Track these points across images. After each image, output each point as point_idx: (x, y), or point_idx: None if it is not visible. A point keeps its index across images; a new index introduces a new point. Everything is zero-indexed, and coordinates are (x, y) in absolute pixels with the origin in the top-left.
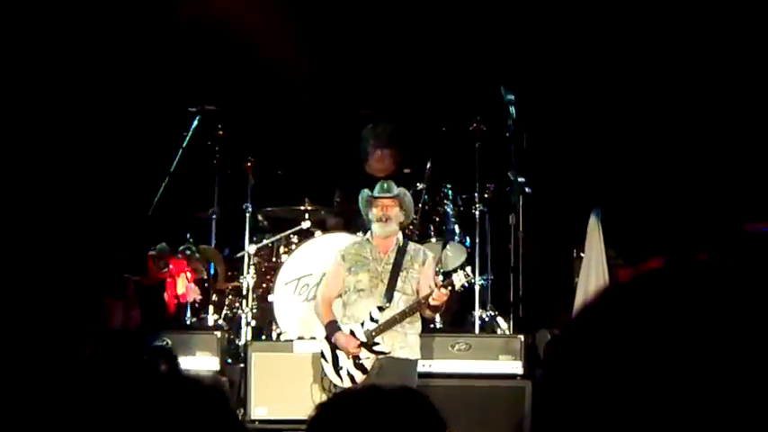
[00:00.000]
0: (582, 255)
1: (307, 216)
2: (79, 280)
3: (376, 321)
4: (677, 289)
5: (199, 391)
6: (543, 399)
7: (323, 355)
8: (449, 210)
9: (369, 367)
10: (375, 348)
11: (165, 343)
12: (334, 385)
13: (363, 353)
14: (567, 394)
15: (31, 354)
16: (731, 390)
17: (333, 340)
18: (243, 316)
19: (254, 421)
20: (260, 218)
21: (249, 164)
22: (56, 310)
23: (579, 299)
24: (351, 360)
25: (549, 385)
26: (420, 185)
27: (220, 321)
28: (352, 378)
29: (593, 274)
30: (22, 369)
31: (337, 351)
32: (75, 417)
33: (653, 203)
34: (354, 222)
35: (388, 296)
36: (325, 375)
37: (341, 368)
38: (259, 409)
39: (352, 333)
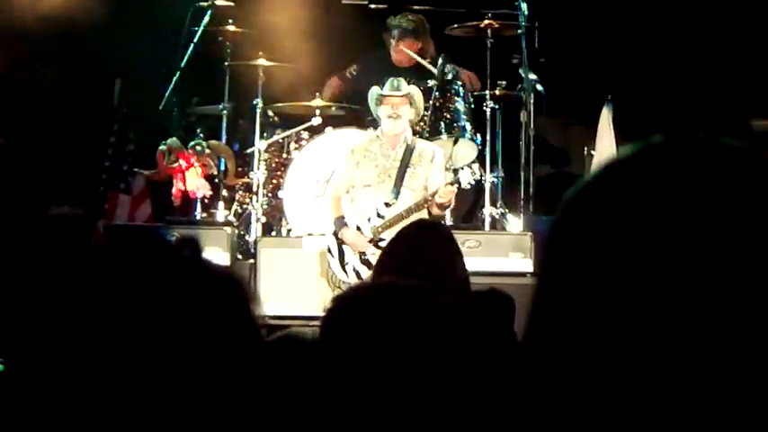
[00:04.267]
0: (593, 152)
1: (318, 112)
2: (83, 174)
3: (382, 217)
4: (677, 163)
5: (220, 279)
6: (543, 285)
7: (329, 251)
8: (460, 107)
9: (374, 263)
10: (381, 244)
11: (173, 236)
12: (341, 281)
13: (369, 248)
14: (566, 272)
15: (34, 243)
16: (732, 267)
17: (340, 236)
18: (253, 212)
19: (262, 317)
20: (270, 113)
21: (260, 59)
22: (60, 203)
23: None
24: (357, 255)
25: (547, 263)
26: (431, 82)
27: (230, 217)
28: (357, 273)
29: None
30: (28, 257)
31: (344, 246)
32: (87, 301)
33: (667, 99)
34: (365, 117)
35: (396, 192)
36: (332, 270)
37: (347, 263)
38: (268, 305)
39: (358, 229)
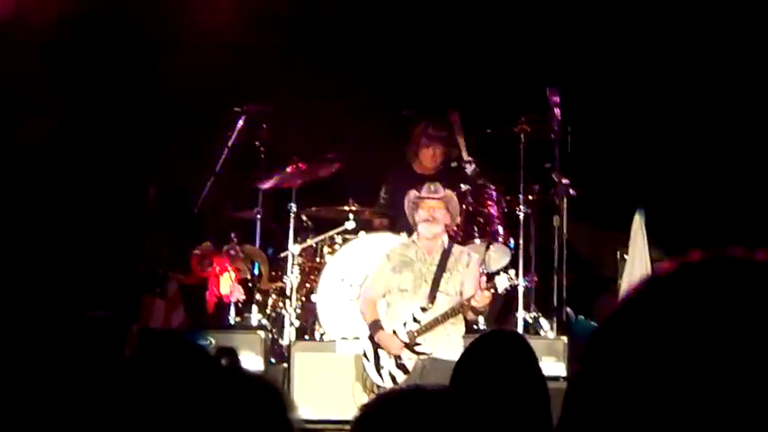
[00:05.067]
0: (626, 256)
1: (351, 216)
2: (117, 277)
3: (418, 322)
4: (716, 284)
5: (258, 388)
6: (579, 390)
7: (365, 355)
8: (493, 211)
9: (410, 368)
10: (417, 349)
11: (209, 342)
12: (377, 385)
13: (405, 353)
14: (606, 385)
15: (67, 353)
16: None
17: (376, 339)
18: (286, 316)
19: (298, 422)
20: (304, 218)
21: (293, 164)
22: (93, 307)
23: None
24: (392, 360)
25: (586, 377)
26: (464, 187)
27: (264, 321)
28: (393, 378)
29: (636, 275)
30: (60, 368)
31: (379, 350)
32: (123, 410)
33: (700, 203)
34: (400, 221)
35: (432, 297)
36: (367, 375)
37: (382, 368)
38: (302, 409)
39: (394, 333)
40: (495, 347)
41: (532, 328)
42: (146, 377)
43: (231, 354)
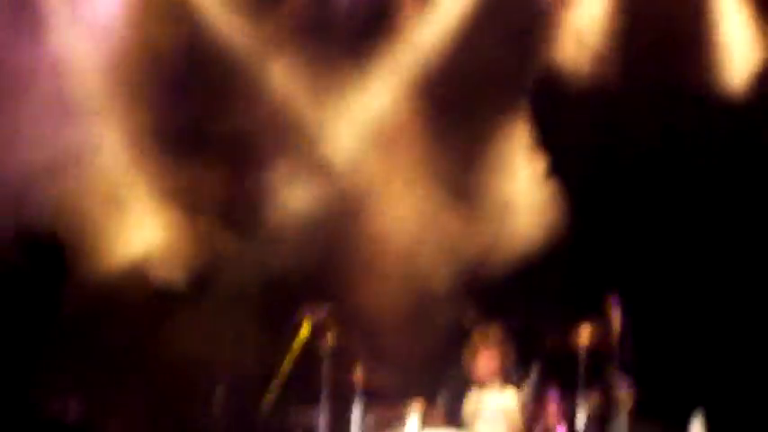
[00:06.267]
0: None
1: (413, 416)
2: None
3: None
4: None
5: None
6: None
7: None
8: (554, 410)
9: None
10: None
11: None
12: None
13: None
14: None
15: None
16: None
17: None
18: None
19: None
20: (367, 420)
21: (357, 374)
22: None
23: None
24: None
25: None
26: (524, 390)
27: None
28: None
29: None
30: None
31: None
32: None
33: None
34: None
35: None
36: None
37: None
38: None
39: None
40: None
41: None
42: None
43: None
